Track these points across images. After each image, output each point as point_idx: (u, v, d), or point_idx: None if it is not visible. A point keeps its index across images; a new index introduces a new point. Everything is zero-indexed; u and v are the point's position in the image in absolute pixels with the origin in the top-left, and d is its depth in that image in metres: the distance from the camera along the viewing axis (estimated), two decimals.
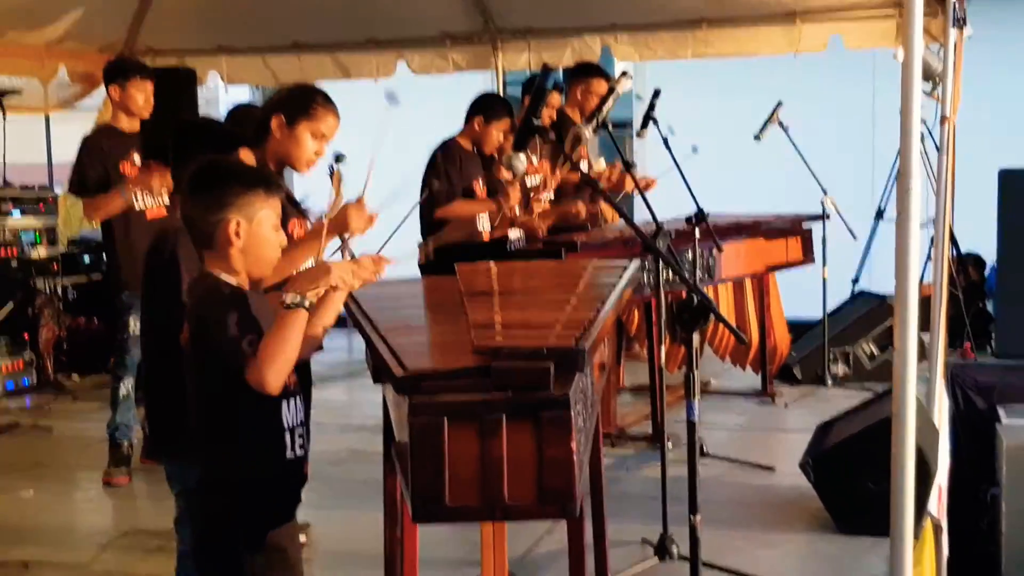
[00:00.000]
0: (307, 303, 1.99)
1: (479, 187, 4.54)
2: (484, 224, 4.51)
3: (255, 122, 2.81)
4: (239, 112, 3.27)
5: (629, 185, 4.93)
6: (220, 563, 2.05)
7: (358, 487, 4.23)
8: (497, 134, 4.45)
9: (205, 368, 2.01)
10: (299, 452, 2.11)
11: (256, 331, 2.00)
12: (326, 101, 2.76)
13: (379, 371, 2.03)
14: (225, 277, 2.08)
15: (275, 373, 1.94)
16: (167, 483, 2.57)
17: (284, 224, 2.65)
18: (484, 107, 4.48)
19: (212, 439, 2.06)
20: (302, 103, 2.74)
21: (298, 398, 2.13)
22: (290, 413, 2.09)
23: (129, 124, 4.46)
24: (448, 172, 4.38)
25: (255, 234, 2.10)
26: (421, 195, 4.35)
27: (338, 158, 4.75)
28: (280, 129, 2.72)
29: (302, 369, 2.16)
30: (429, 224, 4.45)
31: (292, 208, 2.79)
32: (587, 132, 3.60)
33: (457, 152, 4.46)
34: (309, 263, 2.44)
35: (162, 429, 2.55)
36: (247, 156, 2.50)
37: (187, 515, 2.47)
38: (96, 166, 4.32)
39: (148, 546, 3.60)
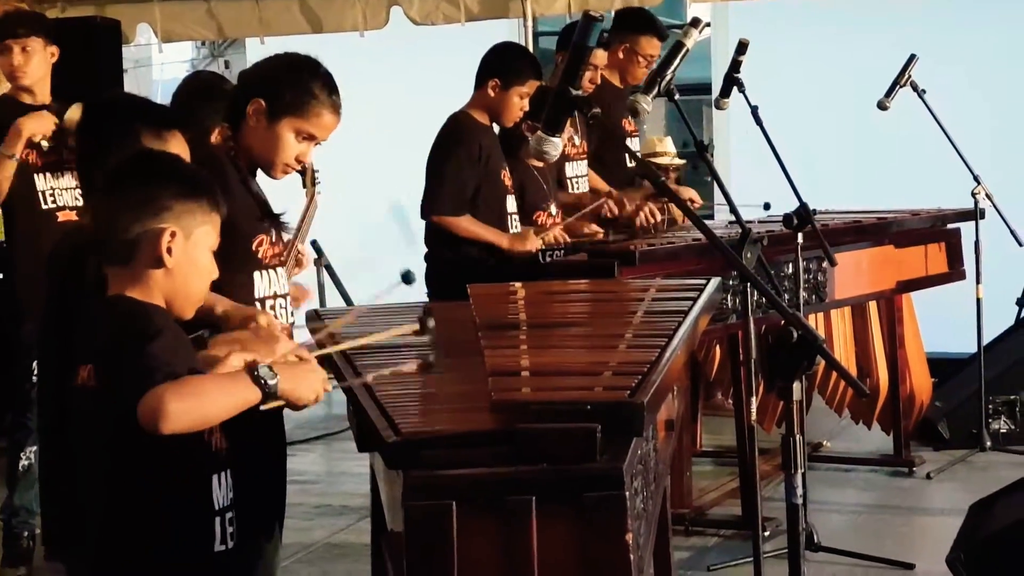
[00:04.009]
0: (273, 389, 2.01)
1: (507, 179, 4.54)
2: (516, 224, 4.52)
3: (222, 95, 2.83)
4: (193, 81, 3.32)
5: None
6: None
7: None
8: (520, 102, 4.45)
9: (114, 420, 2.02)
10: (231, 543, 2.14)
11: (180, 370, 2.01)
12: (327, 93, 2.74)
13: (365, 435, 2.06)
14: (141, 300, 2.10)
15: (179, 414, 1.91)
16: None
17: (249, 239, 2.69)
18: (500, 64, 4.47)
19: (112, 522, 2.08)
20: (293, 92, 2.72)
21: (228, 472, 2.16)
22: (221, 491, 2.12)
23: (33, 95, 4.55)
24: (460, 162, 4.38)
25: (190, 256, 2.13)
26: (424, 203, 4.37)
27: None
28: (257, 118, 2.72)
29: (261, 429, 2.18)
30: (433, 237, 4.45)
31: (264, 219, 2.81)
32: (646, 103, 3.62)
33: (471, 131, 4.46)
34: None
35: (67, 517, 2.57)
36: (178, 144, 2.53)
37: None
38: None
39: None
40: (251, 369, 2.03)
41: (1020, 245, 5.73)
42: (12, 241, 4.50)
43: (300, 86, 2.72)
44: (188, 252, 2.13)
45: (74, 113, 4.24)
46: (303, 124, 2.71)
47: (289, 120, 2.71)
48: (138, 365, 1.96)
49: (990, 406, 5.69)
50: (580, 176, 5.00)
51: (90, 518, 2.12)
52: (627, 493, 1.77)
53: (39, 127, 4.36)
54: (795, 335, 2.29)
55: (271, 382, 2.01)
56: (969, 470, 5.39)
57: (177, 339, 2.08)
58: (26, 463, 4.44)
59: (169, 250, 2.10)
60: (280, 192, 2.92)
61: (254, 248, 2.71)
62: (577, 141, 5.00)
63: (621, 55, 5.19)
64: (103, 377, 2.03)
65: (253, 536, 2.52)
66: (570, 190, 4.92)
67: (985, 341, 5.71)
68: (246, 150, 2.76)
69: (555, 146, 2.66)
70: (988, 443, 5.61)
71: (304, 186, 4.74)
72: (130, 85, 6.97)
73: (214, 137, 2.76)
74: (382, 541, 2.84)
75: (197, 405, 1.95)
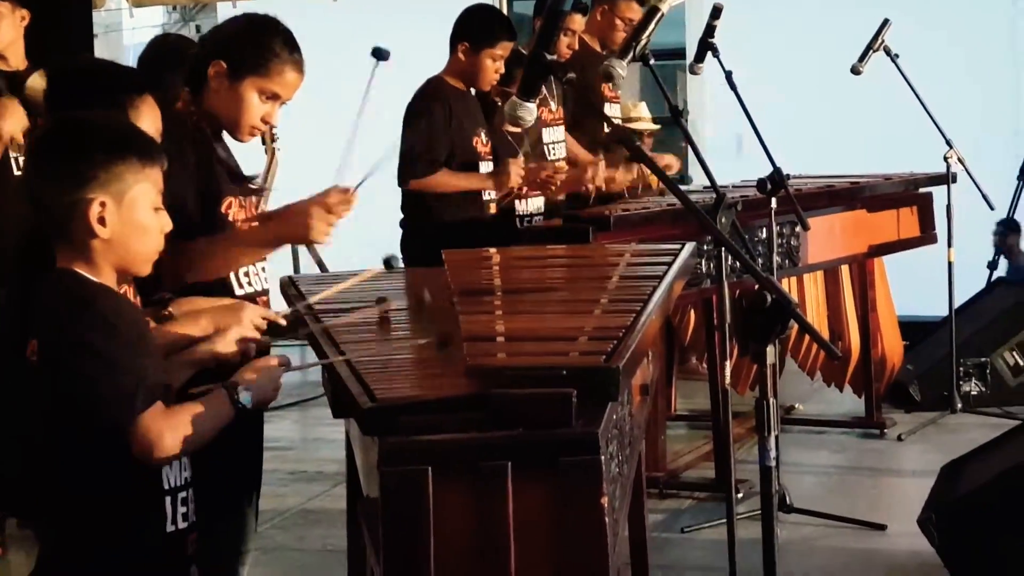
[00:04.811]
0: (252, 403, 2.09)
1: (482, 145, 4.53)
2: (491, 193, 4.50)
3: (187, 59, 2.80)
4: (160, 45, 3.27)
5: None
6: None
7: (313, 560, 4.24)
8: (493, 65, 4.42)
9: (59, 401, 2.00)
10: (182, 523, 2.12)
11: (150, 368, 2.01)
12: (289, 50, 2.70)
13: (340, 401, 2.05)
14: (89, 278, 2.07)
15: (173, 447, 1.99)
16: None
17: (218, 199, 2.66)
18: (470, 27, 4.45)
19: (61, 500, 2.06)
20: (253, 52, 2.67)
21: None
22: (173, 470, 2.10)
23: (6, 60, 4.49)
24: (430, 125, 4.37)
25: (128, 220, 2.06)
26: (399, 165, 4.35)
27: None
28: (218, 80, 2.67)
29: None
30: (408, 204, 4.45)
31: (232, 182, 2.79)
32: (620, 68, 3.59)
33: (444, 95, 4.44)
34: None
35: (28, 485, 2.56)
36: (150, 109, 2.50)
37: None
38: None
39: None
40: (230, 392, 2.08)
41: (992, 209, 5.77)
42: None
43: (261, 45, 2.68)
44: (125, 216, 2.06)
45: (37, 82, 4.17)
46: (266, 83, 2.68)
47: (252, 80, 2.67)
48: (114, 383, 1.95)
49: (961, 369, 5.74)
50: (557, 142, 4.98)
51: (42, 492, 2.10)
52: (602, 457, 1.78)
53: (17, 125, 4.27)
54: (769, 299, 2.29)
55: (249, 407, 2.10)
56: (940, 432, 5.44)
57: (124, 321, 2.03)
58: None
59: (102, 220, 2.04)
60: (240, 153, 2.88)
61: (224, 210, 2.68)
62: (553, 107, 4.99)
63: (599, 17, 5.19)
64: (43, 355, 2.00)
65: (224, 508, 2.51)
66: (547, 156, 4.90)
67: (956, 304, 5.76)
68: (210, 114, 2.73)
69: (530, 111, 2.64)
70: (959, 405, 5.66)
71: (263, 143, 4.69)
72: (100, 51, 6.88)
73: (180, 103, 2.73)
74: (358, 507, 2.84)
75: (188, 439, 2.01)
